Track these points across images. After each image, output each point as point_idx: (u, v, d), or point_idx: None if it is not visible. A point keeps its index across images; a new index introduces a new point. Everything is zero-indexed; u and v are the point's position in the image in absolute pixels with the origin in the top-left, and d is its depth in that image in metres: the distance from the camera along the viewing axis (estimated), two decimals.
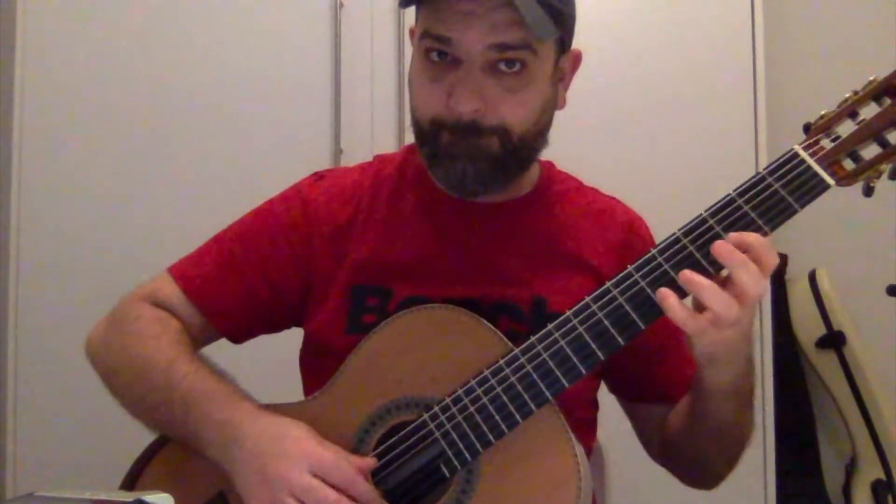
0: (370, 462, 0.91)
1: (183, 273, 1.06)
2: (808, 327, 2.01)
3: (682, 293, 0.85)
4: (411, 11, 1.01)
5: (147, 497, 0.76)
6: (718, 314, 0.81)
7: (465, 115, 0.94)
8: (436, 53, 0.96)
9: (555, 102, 1.03)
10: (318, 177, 1.13)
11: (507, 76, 0.94)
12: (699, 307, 0.83)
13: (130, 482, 0.98)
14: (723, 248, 0.82)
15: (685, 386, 1.04)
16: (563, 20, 0.97)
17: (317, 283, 1.05)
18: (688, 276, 0.83)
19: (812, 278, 2.00)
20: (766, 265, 0.82)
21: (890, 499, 1.91)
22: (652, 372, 1.08)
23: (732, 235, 0.83)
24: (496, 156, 0.96)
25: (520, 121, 0.96)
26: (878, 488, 1.93)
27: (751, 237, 0.83)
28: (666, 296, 0.83)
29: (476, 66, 0.94)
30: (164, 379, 0.96)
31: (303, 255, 1.06)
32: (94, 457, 1.51)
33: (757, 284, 0.81)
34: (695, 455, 1.04)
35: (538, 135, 1.01)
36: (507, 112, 0.95)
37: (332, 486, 0.87)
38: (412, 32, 1.05)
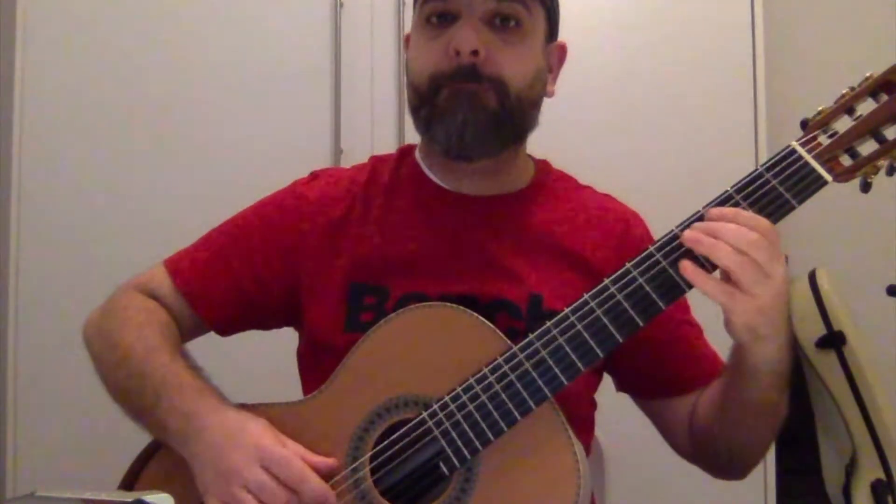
0: (328, 462, 0.90)
1: (175, 265, 1.08)
2: (808, 327, 1.99)
3: (682, 290, 0.85)
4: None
5: (147, 497, 0.76)
6: (733, 270, 0.81)
7: (465, 55, 0.97)
8: (436, 18, 1.00)
9: (545, 82, 1.06)
10: (313, 176, 1.14)
11: (504, 31, 0.99)
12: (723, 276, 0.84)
13: (130, 482, 0.98)
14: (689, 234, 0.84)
15: (702, 375, 1.04)
16: None
17: (308, 280, 1.06)
18: (694, 235, 0.83)
19: (812, 278, 2.00)
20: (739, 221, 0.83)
21: (890, 499, 1.91)
22: (664, 365, 1.08)
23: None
24: (493, 111, 0.98)
25: (515, 74, 0.99)
26: (878, 488, 1.92)
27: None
28: (686, 267, 0.83)
29: (475, 16, 0.98)
30: (141, 367, 0.97)
31: (292, 250, 1.06)
32: (94, 457, 1.51)
33: (744, 232, 0.82)
34: (731, 443, 1.01)
35: (531, 104, 1.03)
36: (504, 63, 0.99)
37: (283, 483, 0.87)
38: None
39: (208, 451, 0.90)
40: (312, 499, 0.87)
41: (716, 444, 1.03)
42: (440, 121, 1.00)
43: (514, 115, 1.00)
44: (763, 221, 0.84)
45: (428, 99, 1.00)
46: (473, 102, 0.98)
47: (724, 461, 1.05)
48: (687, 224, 0.87)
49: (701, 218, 0.86)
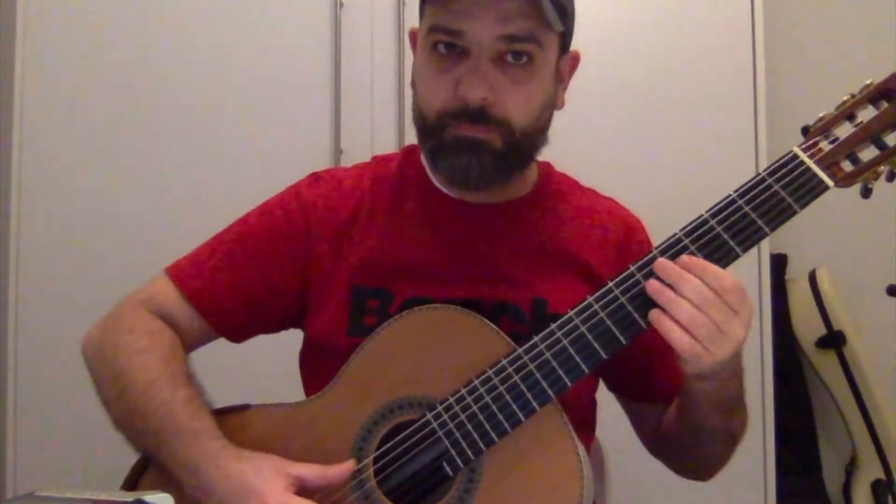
0: (345, 469, 0.89)
1: (181, 274, 1.05)
2: (808, 327, 2.01)
3: None
4: (411, 12, 1.02)
5: (147, 497, 0.76)
6: (693, 330, 0.82)
7: (473, 102, 0.95)
8: (443, 46, 0.97)
9: (554, 101, 1.04)
10: (316, 178, 1.12)
11: (514, 68, 0.96)
12: None
13: (131, 482, 0.98)
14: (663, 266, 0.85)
15: (675, 390, 1.04)
16: (566, 17, 0.99)
17: (316, 283, 1.05)
18: (656, 286, 0.85)
19: (812, 278, 2.01)
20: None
21: (890, 499, 1.92)
22: (651, 372, 1.08)
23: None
24: (499, 151, 0.97)
25: (523, 115, 0.98)
26: (878, 488, 1.94)
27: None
28: (660, 319, 0.84)
29: (485, 56, 0.95)
30: (142, 404, 0.94)
31: (300, 255, 1.06)
32: (94, 457, 1.50)
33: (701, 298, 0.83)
34: (688, 454, 1.06)
35: (539, 132, 1.02)
36: (512, 105, 0.97)
37: None
38: (412, 35, 1.06)
39: None
40: None
41: (675, 452, 1.09)
42: (446, 157, 0.99)
43: (520, 149, 1.00)
44: (715, 281, 0.84)
45: (434, 133, 0.99)
46: (478, 147, 0.97)
47: (683, 466, 1.11)
48: (689, 227, 0.87)
49: (705, 222, 0.87)
